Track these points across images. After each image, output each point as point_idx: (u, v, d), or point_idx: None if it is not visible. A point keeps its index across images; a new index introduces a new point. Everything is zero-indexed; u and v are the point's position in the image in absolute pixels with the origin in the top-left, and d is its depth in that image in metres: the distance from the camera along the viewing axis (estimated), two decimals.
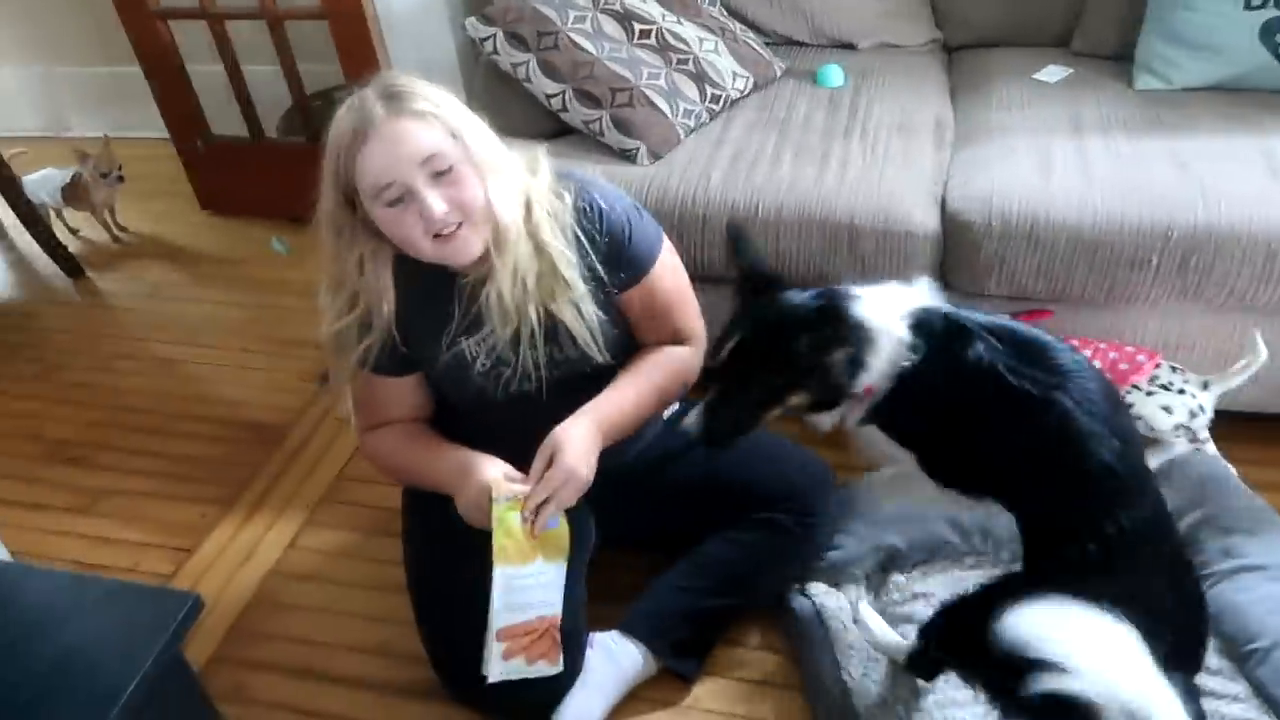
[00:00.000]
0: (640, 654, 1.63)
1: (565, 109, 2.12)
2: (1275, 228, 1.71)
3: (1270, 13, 2.00)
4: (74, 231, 3.23)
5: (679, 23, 2.25)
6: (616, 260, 1.48)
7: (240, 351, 2.65)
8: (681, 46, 2.21)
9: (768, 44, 2.44)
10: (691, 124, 2.13)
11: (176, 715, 1.12)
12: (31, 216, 3.01)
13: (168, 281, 2.99)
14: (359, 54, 2.75)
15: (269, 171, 3.17)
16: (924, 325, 1.24)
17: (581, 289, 1.44)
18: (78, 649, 1.05)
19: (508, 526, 1.38)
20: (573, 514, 1.43)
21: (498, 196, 1.36)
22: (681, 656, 1.65)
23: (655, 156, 2.06)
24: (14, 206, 2.99)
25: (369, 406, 1.58)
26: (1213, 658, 1.51)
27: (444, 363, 1.50)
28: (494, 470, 1.43)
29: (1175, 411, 1.76)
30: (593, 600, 1.61)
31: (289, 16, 2.91)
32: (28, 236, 3.05)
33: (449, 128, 1.32)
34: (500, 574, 1.38)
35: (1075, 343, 1.68)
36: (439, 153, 1.30)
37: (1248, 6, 2.01)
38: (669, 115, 2.09)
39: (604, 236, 1.46)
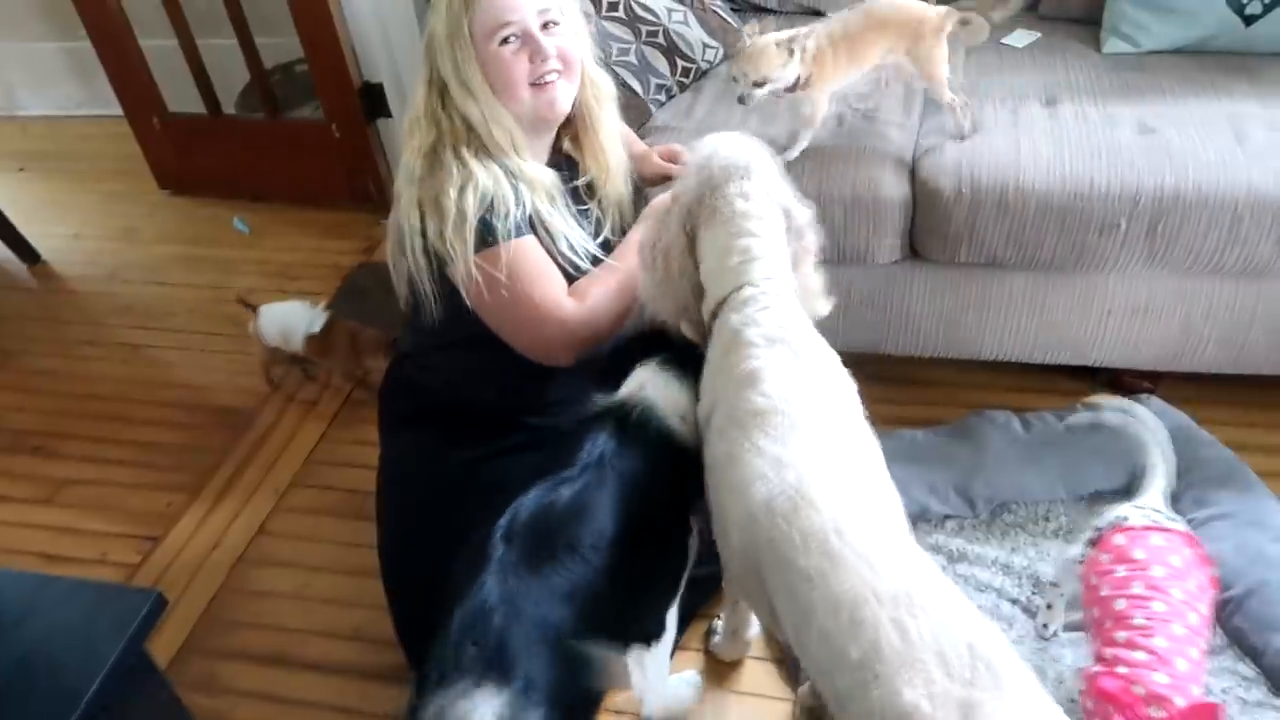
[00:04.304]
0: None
1: None
2: (1240, 192, 1.71)
3: None
4: (310, 376, 2.42)
5: None
6: None
7: (203, 335, 2.60)
8: (650, 18, 2.17)
9: (735, 10, 2.40)
10: (663, 99, 2.11)
11: (142, 713, 1.10)
12: None
13: (126, 264, 2.93)
14: (317, 25, 2.68)
15: (229, 149, 3.11)
16: None
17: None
18: (39, 650, 1.03)
19: None
20: None
21: (592, 66, 1.58)
22: None
23: None
24: None
25: (547, 274, 1.51)
26: None
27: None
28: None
29: None
30: None
31: None
32: None
33: None
34: None
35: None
36: (552, 6, 1.48)
37: None
38: (641, 94, 2.08)
39: None
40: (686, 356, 1.39)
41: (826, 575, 0.94)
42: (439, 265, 1.50)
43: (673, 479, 1.31)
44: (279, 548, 1.98)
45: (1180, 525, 1.40)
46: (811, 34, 1.76)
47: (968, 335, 2.03)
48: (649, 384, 1.37)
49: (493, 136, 1.49)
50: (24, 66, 3.75)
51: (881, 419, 1.23)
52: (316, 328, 2.21)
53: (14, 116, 3.83)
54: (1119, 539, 1.38)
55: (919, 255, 1.94)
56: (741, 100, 1.75)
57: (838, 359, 1.25)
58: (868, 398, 1.32)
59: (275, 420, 2.29)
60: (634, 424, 1.31)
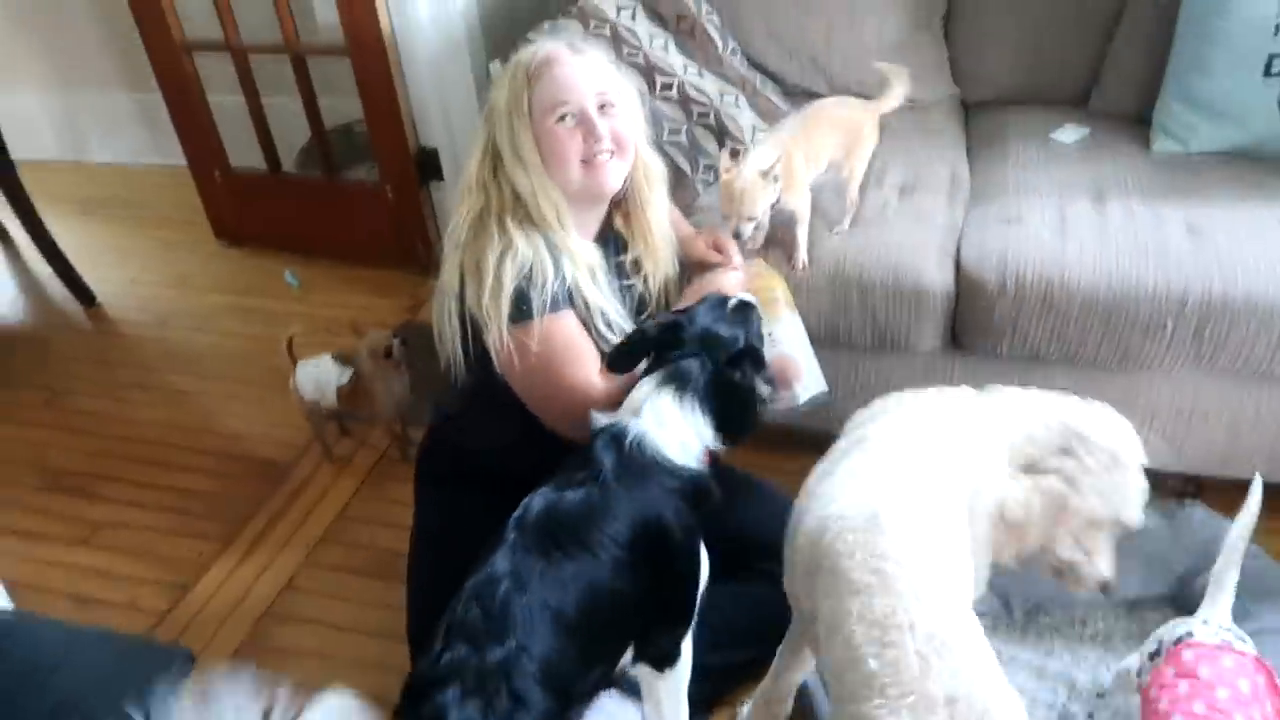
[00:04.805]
0: (639, 713, 1.60)
1: None
2: None
3: None
4: (346, 431, 2.45)
5: (700, 75, 2.26)
6: None
7: (248, 385, 2.64)
8: (702, 100, 2.21)
9: (785, 95, 2.44)
10: (711, 179, 2.15)
11: None
12: (51, 248, 3.00)
13: (179, 311, 3.00)
14: (379, 89, 2.77)
15: (285, 204, 3.20)
16: None
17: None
18: (70, 700, 1.04)
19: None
20: None
21: (644, 148, 1.64)
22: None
23: None
24: (33, 235, 3.00)
25: (579, 350, 1.54)
26: None
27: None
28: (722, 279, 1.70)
29: None
30: None
31: (311, 52, 2.94)
32: (43, 262, 3.05)
33: (616, 77, 1.59)
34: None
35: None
36: (610, 90, 1.54)
37: (1267, 74, 2.01)
38: (689, 173, 2.12)
39: None
40: (692, 367, 1.40)
41: (873, 590, 1.02)
42: (475, 330, 1.53)
43: (673, 501, 1.34)
44: (305, 604, 1.98)
45: (1251, 648, 1.35)
46: (779, 148, 1.79)
47: None
48: (645, 408, 1.38)
49: (539, 208, 1.53)
50: (96, 114, 3.90)
51: None
52: (345, 380, 2.22)
53: (82, 162, 3.97)
54: (1187, 654, 1.33)
55: (960, 345, 1.94)
56: (737, 235, 1.78)
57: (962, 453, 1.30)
58: None
59: (310, 474, 2.31)
60: (630, 449, 1.34)
